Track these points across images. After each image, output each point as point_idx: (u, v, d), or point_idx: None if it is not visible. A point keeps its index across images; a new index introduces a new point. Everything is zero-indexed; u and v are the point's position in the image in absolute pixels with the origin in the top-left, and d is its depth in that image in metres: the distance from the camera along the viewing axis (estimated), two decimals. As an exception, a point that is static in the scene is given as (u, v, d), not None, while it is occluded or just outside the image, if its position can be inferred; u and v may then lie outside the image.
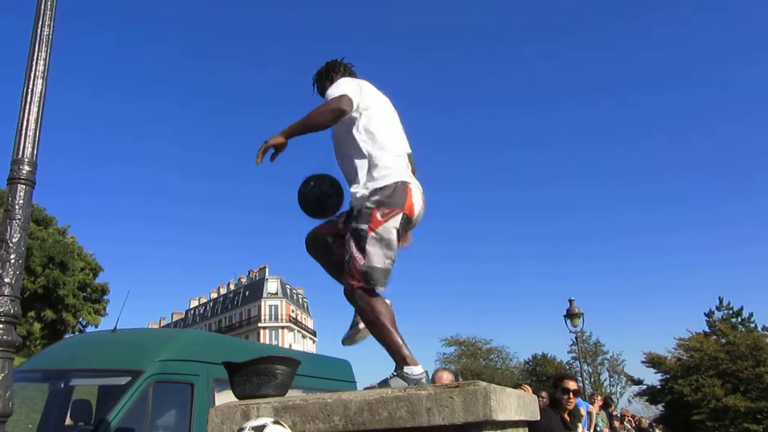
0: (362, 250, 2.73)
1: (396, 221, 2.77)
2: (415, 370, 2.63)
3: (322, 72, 3.38)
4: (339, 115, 2.90)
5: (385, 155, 2.90)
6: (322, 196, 3.08)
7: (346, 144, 3.03)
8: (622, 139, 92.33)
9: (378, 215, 2.75)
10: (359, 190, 2.87)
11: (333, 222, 3.07)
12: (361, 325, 2.99)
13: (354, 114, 2.98)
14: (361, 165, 2.91)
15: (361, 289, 2.73)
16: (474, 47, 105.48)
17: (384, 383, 2.61)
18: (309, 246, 3.15)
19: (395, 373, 2.65)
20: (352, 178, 2.96)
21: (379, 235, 2.73)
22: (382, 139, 2.95)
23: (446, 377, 5.39)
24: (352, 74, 3.35)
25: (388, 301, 2.82)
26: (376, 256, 2.73)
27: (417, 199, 2.90)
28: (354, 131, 2.99)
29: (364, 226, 2.75)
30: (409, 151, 3.18)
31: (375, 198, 2.80)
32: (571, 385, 5.16)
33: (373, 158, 2.89)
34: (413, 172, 3.14)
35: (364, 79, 3.27)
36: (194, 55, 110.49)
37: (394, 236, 2.76)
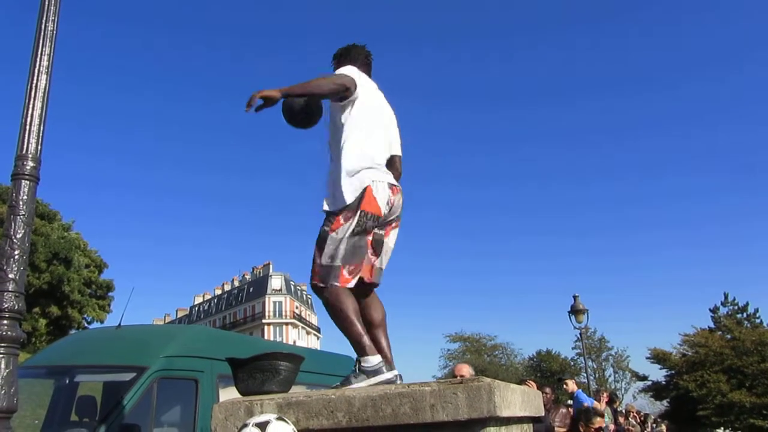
0: (321, 250, 2.89)
1: (353, 222, 2.88)
2: (372, 360, 2.73)
3: (343, 53, 3.44)
4: (340, 90, 2.99)
5: (357, 164, 2.95)
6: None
7: (332, 138, 3.12)
8: (627, 134, 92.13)
9: (340, 218, 2.89)
10: (328, 198, 2.98)
11: None
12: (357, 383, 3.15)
13: (349, 106, 3.06)
14: (336, 171, 2.98)
15: (321, 286, 2.86)
16: (477, 43, 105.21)
17: (346, 381, 2.71)
18: None
19: (356, 368, 2.75)
20: (332, 176, 3.02)
21: (337, 235, 2.87)
22: (361, 145, 3.00)
23: (465, 370, 5.40)
24: (367, 65, 3.41)
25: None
26: (327, 255, 2.87)
27: (381, 197, 2.96)
28: (344, 129, 3.05)
29: (327, 228, 2.91)
30: (396, 153, 3.28)
31: (340, 207, 2.92)
32: (601, 423, 5.24)
33: (346, 167, 2.94)
34: (397, 176, 3.22)
35: (371, 75, 3.38)
36: (199, 51, 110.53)
37: (346, 233, 2.87)
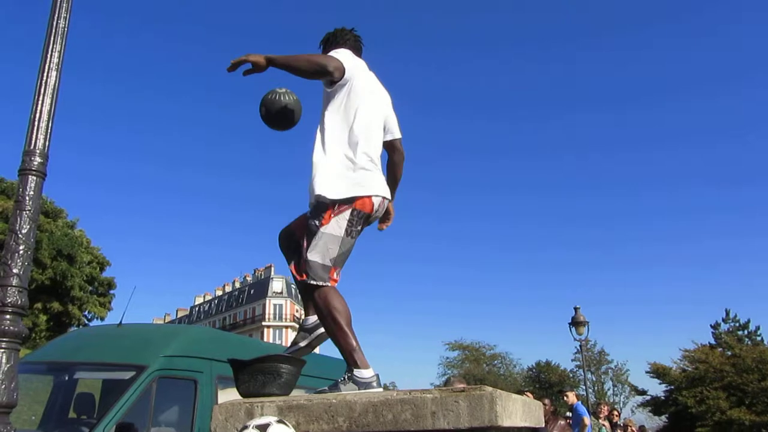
0: (308, 245, 2.79)
1: (345, 216, 2.80)
2: (364, 374, 2.64)
3: (330, 37, 3.32)
4: (320, 72, 2.86)
5: (351, 161, 2.86)
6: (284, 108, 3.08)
7: (322, 126, 2.99)
8: (630, 147, 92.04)
9: (331, 213, 2.80)
10: (316, 189, 2.84)
11: (305, 217, 3.01)
12: (302, 343, 3.07)
13: (338, 92, 2.96)
14: (325, 161, 2.87)
15: (314, 284, 2.76)
16: (482, 48, 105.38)
17: (335, 387, 2.65)
18: (281, 242, 3.17)
19: (346, 376, 2.67)
20: (315, 168, 2.90)
21: (327, 231, 2.78)
22: (355, 138, 2.90)
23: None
24: (358, 50, 3.30)
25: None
26: (318, 252, 2.77)
27: (375, 202, 2.90)
28: (331, 116, 2.96)
29: (316, 222, 2.81)
30: (396, 137, 3.19)
31: (330, 199, 2.81)
32: None
33: (338, 161, 2.86)
34: (399, 159, 3.19)
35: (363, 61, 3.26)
36: (206, 51, 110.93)
37: (340, 232, 2.79)
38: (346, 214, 2.80)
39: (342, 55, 3.02)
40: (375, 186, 2.90)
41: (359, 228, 2.88)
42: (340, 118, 2.95)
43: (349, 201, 2.81)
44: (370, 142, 2.97)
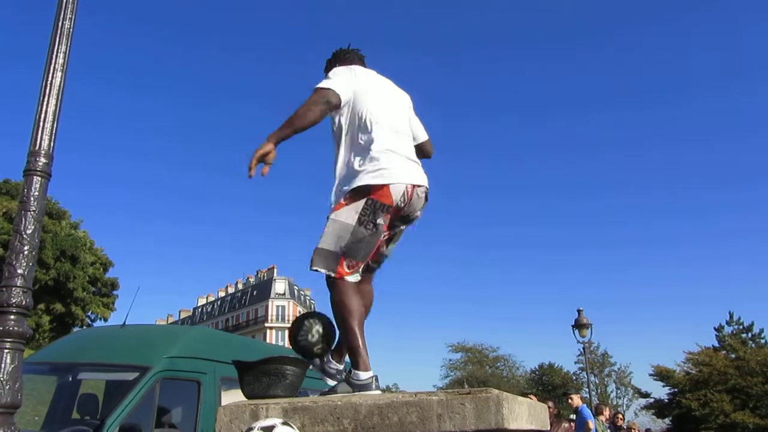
0: (322, 234, 2.79)
1: (358, 206, 2.75)
2: (361, 375, 2.64)
3: (331, 60, 3.36)
4: (326, 109, 2.83)
5: (364, 156, 2.83)
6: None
7: (334, 138, 3.04)
8: (635, 147, 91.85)
9: (342, 201, 2.80)
10: (335, 191, 2.89)
11: None
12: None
13: (343, 108, 2.95)
14: (342, 166, 2.91)
15: (336, 279, 2.73)
16: (484, 49, 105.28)
17: (332, 390, 2.65)
18: None
19: (344, 378, 2.70)
20: (336, 174, 2.94)
21: (337, 218, 2.76)
22: (369, 133, 2.88)
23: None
24: (359, 60, 3.29)
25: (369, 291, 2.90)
26: (326, 240, 2.76)
27: (396, 191, 2.78)
28: (341, 127, 2.98)
29: (330, 210, 2.83)
30: (423, 139, 3.22)
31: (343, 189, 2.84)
32: None
33: (352, 163, 2.85)
34: (427, 155, 3.22)
35: (368, 67, 3.28)
36: (210, 53, 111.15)
37: (352, 221, 2.73)
38: (359, 203, 2.75)
39: (334, 76, 2.96)
40: (392, 175, 2.80)
41: (380, 221, 2.78)
42: (351, 122, 2.95)
43: (362, 191, 2.75)
44: (386, 133, 2.91)
